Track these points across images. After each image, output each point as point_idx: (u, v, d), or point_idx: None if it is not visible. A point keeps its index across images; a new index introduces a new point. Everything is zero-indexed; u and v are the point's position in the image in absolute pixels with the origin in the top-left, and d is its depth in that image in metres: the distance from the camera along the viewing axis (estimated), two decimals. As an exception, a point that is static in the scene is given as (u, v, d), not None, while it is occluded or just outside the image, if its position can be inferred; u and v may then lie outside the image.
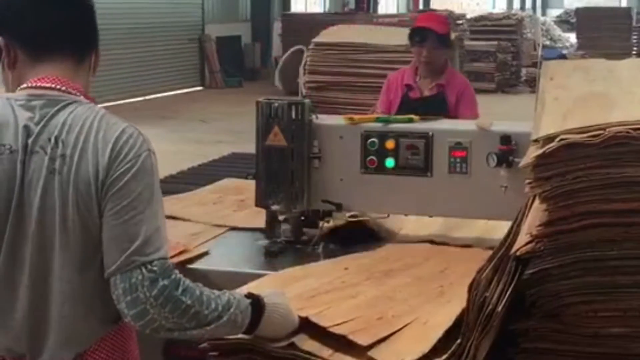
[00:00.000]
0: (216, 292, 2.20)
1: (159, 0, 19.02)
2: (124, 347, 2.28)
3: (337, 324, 2.40)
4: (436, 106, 4.91)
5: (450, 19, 18.15)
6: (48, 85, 2.16)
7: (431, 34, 5.21)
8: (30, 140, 2.10)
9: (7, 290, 2.15)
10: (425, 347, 2.25)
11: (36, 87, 2.16)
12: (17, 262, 2.13)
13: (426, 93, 5.30)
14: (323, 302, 2.58)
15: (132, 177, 2.09)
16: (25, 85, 2.17)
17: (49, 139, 2.10)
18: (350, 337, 2.33)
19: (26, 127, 2.11)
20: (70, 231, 2.10)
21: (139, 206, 2.09)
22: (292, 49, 6.50)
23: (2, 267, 2.13)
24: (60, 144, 2.09)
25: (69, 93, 2.17)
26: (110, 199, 2.08)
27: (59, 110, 2.13)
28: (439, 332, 2.31)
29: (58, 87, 2.16)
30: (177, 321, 2.09)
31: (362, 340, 2.31)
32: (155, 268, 2.07)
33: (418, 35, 5.28)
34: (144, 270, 2.07)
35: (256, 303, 2.27)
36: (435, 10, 21.01)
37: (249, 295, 2.29)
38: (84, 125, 2.11)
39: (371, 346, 2.30)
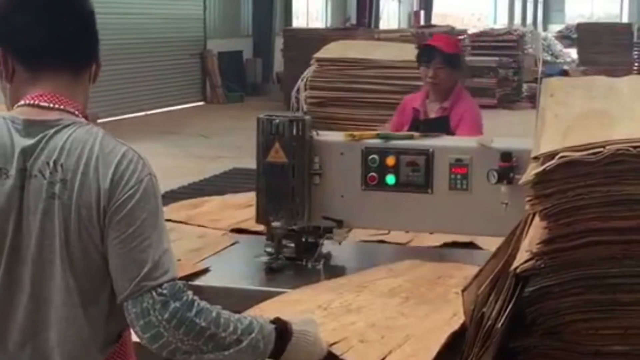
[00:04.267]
0: (237, 315, 2.16)
1: (161, 16, 19.05)
2: None
3: None
4: (438, 129, 4.83)
5: (450, 34, 18.25)
6: (45, 104, 2.12)
7: (438, 53, 5.12)
8: (28, 164, 2.07)
9: (5, 316, 2.11)
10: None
11: (33, 106, 2.12)
12: (16, 287, 2.09)
13: (432, 116, 5.20)
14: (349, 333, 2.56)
15: (136, 204, 2.06)
16: (22, 102, 2.13)
17: (47, 163, 2.06)
18: None
19: (23, 150, 2.07)
20: (72, 256, 2.07)
21: (145, 232, 2.06)
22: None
23: (0, 292, 2.10)
24: (59, 168, 2.06)
25: (68, 112, 2.14)
26: (114, 227, 2.06)
27: (57, 132, 2.09)
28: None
29: (57, 106, 2.13)
30: (193, 343, 2.05)
31: None
32: (165, 291, 2.05)
33: (425, 54, 5.21)
34: (154, 294, 2.04)
35: (282, 329, 2.21)
36: (435, 26, 21.08)
37: (276, 321, 2.24)
38: (83, 149, 2.07)
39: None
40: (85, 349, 2.13)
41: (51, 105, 2.13)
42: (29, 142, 2.08)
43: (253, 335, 2.13)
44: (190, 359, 2.08)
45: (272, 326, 2.20)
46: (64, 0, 2.20)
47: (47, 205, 2.06)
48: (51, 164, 2.07)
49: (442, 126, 4.94)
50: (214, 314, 2.09)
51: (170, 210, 4.06)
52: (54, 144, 2.08)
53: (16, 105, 2.15)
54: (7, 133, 2.09)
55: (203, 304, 2.09)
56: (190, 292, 2.10)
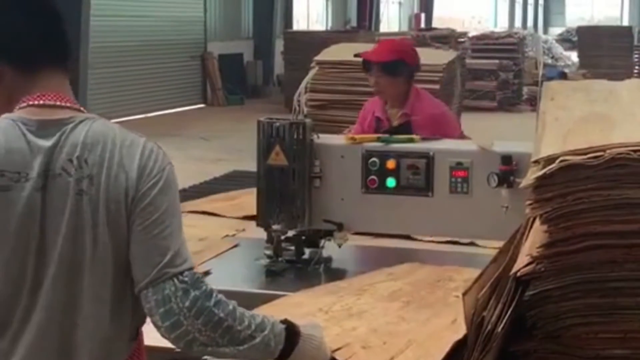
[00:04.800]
0: (250, 312, 2.16)
1: (161, 19, 19.05)
2: None
3: None
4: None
5: (451, 37, 18.26)
6: (51, 102, 2.10)
7: (373, 65, 5.02)
8: (49, 165, 2.05)
9: (35, 314, 2.08)
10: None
11: (40, 106, 2.09)
12: (41, 287, 2.07)
13: (395, 123, 5.05)
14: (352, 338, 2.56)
15: (159, 192, 2.08)
16: (25, 104, 2.09)
17: (71, 160, 2.05)
18: None
19: (43, 151, 2.05)
20: (101, 251, 2.06)
21: (166, 220, 2.07)
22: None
23: (26, 294, 2.07)
24: (84, 164, 2.05)
25: (74, 109, 2.12)
26: (138, 215, 2.06)
27: (73, 129, 2.07)
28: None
29: (63, 104, 2.11)
30: (210, 335, 2.05)
31: None
32: (186, 279, 2.05)
33: (364, 64, 5.13)
34: (175, 281, 2.04)
35: (291, 330, 2.20)
36: (436, 29, 21.09)
37: (285, 322, 2.23)
38: (105, 143, 2.07)
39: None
40: (113, 346, 2.13)
41: (58, 103, 2.11)
42: (48, 141, 2.06)
43: (265, 332, 2.13)
44: (206, 351, 2.08)
45: (283, 326, 2.19)
46: None
47: (75, 202, 2.04)
48: (74, 160, 2.05)
49: (406, 132, 4.85)
50: (230, 307, 2.09)
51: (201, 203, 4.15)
52: (73, 140, 2.06)
53: (18, 108, 2.11)
54: (22, 135, 2.06)
55: (220, 295, 2.09)
56: (207, 283, 2.10)
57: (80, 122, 2.09)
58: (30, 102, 2.10)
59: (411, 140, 3.42)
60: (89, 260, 2.06)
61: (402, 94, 5.03)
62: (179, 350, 2.14)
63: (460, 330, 2.40)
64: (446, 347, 2.36)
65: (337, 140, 3.46)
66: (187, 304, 2.03)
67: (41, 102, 2.10)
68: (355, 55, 5.24)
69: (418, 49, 5.47)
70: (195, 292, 2.04)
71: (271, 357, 2.16)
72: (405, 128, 4.87)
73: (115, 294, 2.10)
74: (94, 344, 2.10)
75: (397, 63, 4.95)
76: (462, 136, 4.80)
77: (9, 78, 2.13)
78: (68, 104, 2.12)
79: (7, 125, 2.08)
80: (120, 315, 2.12)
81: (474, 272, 2.39)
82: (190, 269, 2.08)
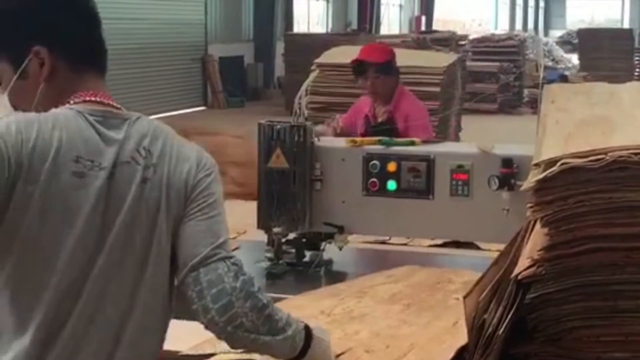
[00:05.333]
0: None
1: (162, 21, 19.07)
2: None
3: None
4: (387, 132, 4.83)
5: (452, 40, 18.27)
6: (107, 101, 2.14)
7: (370, 66, 5.29)
8: (119, 155, 2.07)
9: (95, 302, 2.07)
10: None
11: (97, 103, 2.12)
12: (103, 273, 2.05)
13: (379, 119, 5.36)
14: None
15: (213, 181, 2.14)
16: (80, 99, 2.12)
17: (138, 150, 2.09)
18: None
19: (114, 142, 2.07)
20: (159, 240, 2.08)
21: (219, 207, 2.13)
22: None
23: (90, 282, 2.04)
24: (149, 154, 2.09)
25: (119, 108, 2.16)
26: (194, 199, 2.11)
27: (134, 123, 2.12)
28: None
29: (112, 102, 2.15)
30: (254, 321, 2.07)
31: None
32: (237, 262, 2.10)
33: (358, 68, 5.38)
34: (228, 262, 2.08)
35: (308, 330, 2.22)
36: (437, 31, 21.10)
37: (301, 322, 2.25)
38: (166, 136, 2.14)
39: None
40: (156, 337, 2.14)
41: (110, 102, 2.15)
42: (118, 134, 2.09)
43: (294, 327, 2.16)
44: (248, 339, 2.09)
45: (303, 324, 2.21)
46: (91, 2, 2.22)
47: (138, 189, 2.07)
48: (142, 150, 2.09)
49: (389, 129, 5.01)
50: (268, 297, 2.12)
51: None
52: (138, 132, 2.11)
53: (72, 102, 2.11)
54: (90, 126, 2.07)
55: (259, 285, 2.12)
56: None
57: (137, 118, 2.15)
58: (87, 98, 2.12)
59: (412, 143, 3.43)
60: (153, 249, 2.08)
61: (392, 91, 5.37)
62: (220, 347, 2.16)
63: (461, 333, 2.40)
64: (450, 353, 2.35)
65: (337, 143, 3.46)
66: (238, 284, 2.06)
67: (98, 99, 2.13)
68: (353, 61, 5.41)
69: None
70: (244, 276, 2.08)
71: (293, 353, 2.18)
72: (388, 125, 5.09)
73: (165, 284, 2.12)
74: (145, 335, 2.09)
75: (390, 63, 5.24)
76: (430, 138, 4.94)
77: (62, 74, 2.15)
78: (114, 104, 2.16)
79: (73, 115, 2.09)
80: (165, 307, 2.13)
81: (473, 275, 2.40)
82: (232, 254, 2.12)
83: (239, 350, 2.26)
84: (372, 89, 5.31)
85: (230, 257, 2.10)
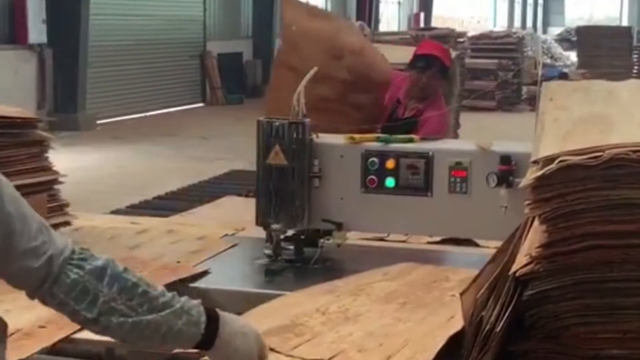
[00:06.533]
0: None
1: (161, 18, 19.04)
2: None
3: None
4: (408, 128, 4.76)
5: (450, 37, 18.24)
6: None
7: (437, 64, 5.19)
8: None
9: None
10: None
11: None
12: None
13: (406, 114, 5.23)
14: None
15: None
16: None
17: None
18: None
19: None
20: None
21: (16, 221, 1.87)
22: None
23: None
24: None
25: None
26: None
27: None
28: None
29: None
30: (127, 303, 1.90)
31: None
32: (81, 256, 1.92)
33: (422, 61, 5.23)
34: (72, 265, 1.90)
35: (208, 309, 2.02)
36: (435, 29, 21.07)
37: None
38: None
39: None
40: None
41: None
42: None
43: (183, 300, 1.98)
44: (128, 323, 1.92)
45: (198, 300, 2.03)
46: None
47: None
48: None
49: (412, 125, 4.88)
50: (138, 275, 1.96)
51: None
52: None
53: None
54: None
55: (123, 265, 1.97)
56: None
57: None
58: None
59: (410, 140, 3.43)
60: None
61: (433, 94, 5.27)
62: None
63: (456, 326, 2.40)
64: (441, 342, 2.36)
65: (336, 139, 3.46)
66: (96, 275, 1.90)
67: None
68: (421, 54, 5.26)
69: (415, 48, 5.58)
70: (99, 262, 1.92)
71: (198, 332, 1.98)
72: (411, 121, 4.95)
73: None
74: None
75: (450, 68, 5.16)
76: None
77: None
78: None
79: None
80: None
81: (470, 272, 2.40)
82: (71, 248, 1.93)
83: None
84: (425, 85, 5.18)
85: (71, 258, 1.90)
